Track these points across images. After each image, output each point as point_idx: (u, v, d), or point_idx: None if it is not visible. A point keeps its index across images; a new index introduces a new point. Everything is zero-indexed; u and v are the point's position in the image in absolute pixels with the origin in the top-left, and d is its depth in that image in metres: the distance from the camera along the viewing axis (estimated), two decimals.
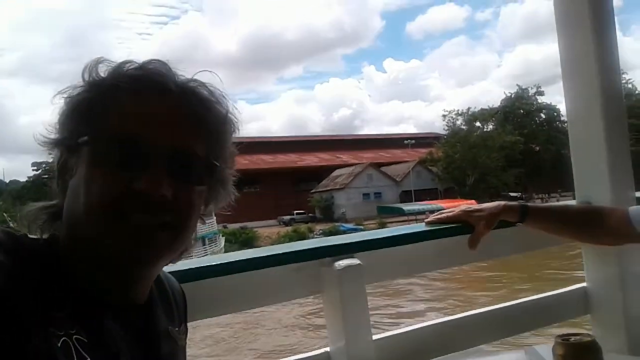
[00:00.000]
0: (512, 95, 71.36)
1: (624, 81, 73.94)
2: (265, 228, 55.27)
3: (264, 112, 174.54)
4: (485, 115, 69.53)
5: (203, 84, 1.06)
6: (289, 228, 54.18)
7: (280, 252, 1.75)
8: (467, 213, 1.92)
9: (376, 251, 1.84)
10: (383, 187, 67.29)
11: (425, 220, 2.02)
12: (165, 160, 0.96)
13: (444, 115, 70.59)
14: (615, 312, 2.14)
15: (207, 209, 1.12)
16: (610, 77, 2.16)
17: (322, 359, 1.79)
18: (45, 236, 1.02)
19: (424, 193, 64.15)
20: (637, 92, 71.13)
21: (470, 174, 61.30)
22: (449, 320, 1.99)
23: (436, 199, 59.92)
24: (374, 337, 1.81)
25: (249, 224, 53.54)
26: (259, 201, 66.21)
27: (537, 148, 65.66)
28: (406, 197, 64.95)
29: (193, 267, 1.59)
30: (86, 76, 1.01)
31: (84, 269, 0.97)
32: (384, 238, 1.90)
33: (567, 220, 1.98)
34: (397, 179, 68.51)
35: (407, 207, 54.55)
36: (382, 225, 44.44)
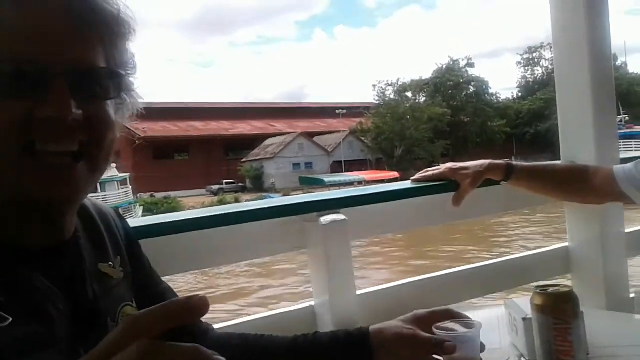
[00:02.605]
0: (443, 67, 72.14)
1: (553, 55, 76.69)
2: (193, 197, 54.18)
3: (213, 77, 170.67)
4: (413, 85, 70.17)
5: None
6: (215, 198, 53.54)
7: (264, 206, 1.75)
8: (453, 170, 1.94)
9: (361, 207, 1.85)
10: (314, 157, 67.20)
11: (411, 177, 2.03)
12: (65, 77, 0.85)
13: (374, 85, 70.80)
14: (595, 271, 2.22)
15: (116, 120, 1.01)
16: (600, 41, 2.21)
17: (307, 312, 1.82)
18: None
19: (355, 163, 64.49)
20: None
21: (398, 145, 61.90)
22: (431, 277, 2.03)
23: (366, 169, 60.52)
24: (358, 292, 1.84)
25: (178, 193, 52.70)
26: (189, 169, 65.28)
27: (466, 119, 66.86)
28: (338, 167, 65.27)
29: (173, 219, 1.61)
30: None
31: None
32: (368, 194, 1.93)
33: (553, 178, 2.02)
34: (329, 149, 68.62)
35: (327, 178, 54.56)
36: None
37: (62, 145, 0.87)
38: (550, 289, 1.39)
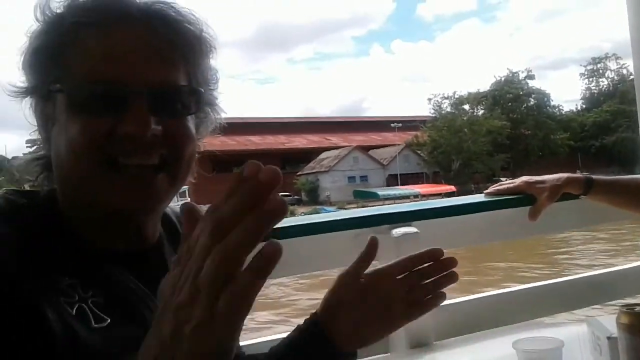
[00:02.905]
0: (502, 79, 71.24)
1: (618, 66, 74.81)
2: None
3: (272, 93, 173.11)
4: (471, 98, 69.46)
5: (169, 5, 0.98)
6: None
7: (340, 218, 1.79)
8: (529, 184, 1.90)
9: (432, 220, 1.84)
10: (369, 170, 67.00)
11: (485, 191, 1.99)
12: (145, 96, 0.90)
13: (430, 99, 70.36)
14: None
15: (198, 134, 1.06)
16: None
17: None
18: (45, 189, 0.99)
19: (411, 177, 64.16)
20: (631, 77, 71.50)
21: (455, 158, 61.24)
22: (508, 292, 2.00)
23: (422, 183, 60.10)
24: None
25: None
26: None
27: (527, 132, 65.77)
28: (393, 180, 64.98)
29: None
30: (39, 15, 0.95)
31: (86, 222, 0.95)
32: (441, 207, 1.90)
33: (635, 192, 1.94)
34: (384, 163, 68.40)
35: (382, 191, 54.50)
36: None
37: (142, 160, 0.92)
38: (638, 308, 1.33)
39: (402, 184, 60.75)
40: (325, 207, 53.10)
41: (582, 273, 2.15)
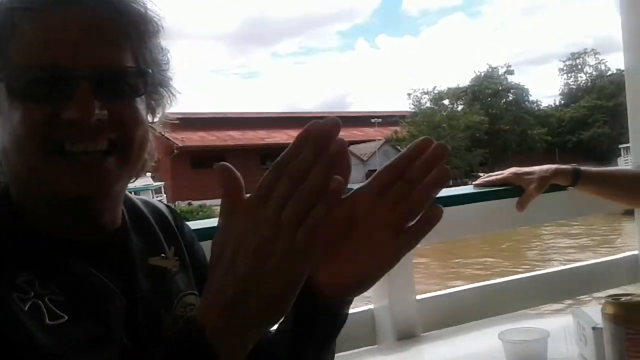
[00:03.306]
0: (482, 75, 71.49)
1: (597, 61, 75.38)
2: None
3: (256, 88, 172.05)
4: (450, 94, 69.68)
5: None
6: None
7: None
8: (517, 175, 1.90)
9: None
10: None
11: (474, 182, 1.99)
12: (88, 80, 0.86)
13: (409, 94, 70.40)
14: None
15: (155, 116, 1.04)
16: None
17: (366, 316, 1.82)
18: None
19: None
20: (609, 72, 72.10)
21: None
22: (494, 283, 2.01)
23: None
24: (418, 297, 1.81)
25: (215, 202, 53.19)
26: None
27: (506, 127, 66.11)
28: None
29: None
30: None
31: (41, 214, 0.93)
32: None
33: (623, 184, 1.96)
34: (364, 158, 68.49)
35: (356, 187, 54.76)
36: None
37: (89, 145, 0.89)
38: (623, 298, 1.33)
39: None
40: None
41: (567, 265, 2.17)
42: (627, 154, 43.65)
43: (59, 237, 0.93)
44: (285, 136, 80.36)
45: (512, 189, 1.91)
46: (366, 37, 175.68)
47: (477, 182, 1.98)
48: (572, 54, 78.69)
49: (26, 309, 0.81)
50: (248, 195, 0.74)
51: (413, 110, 68.37)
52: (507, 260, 15.69)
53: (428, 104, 68.79)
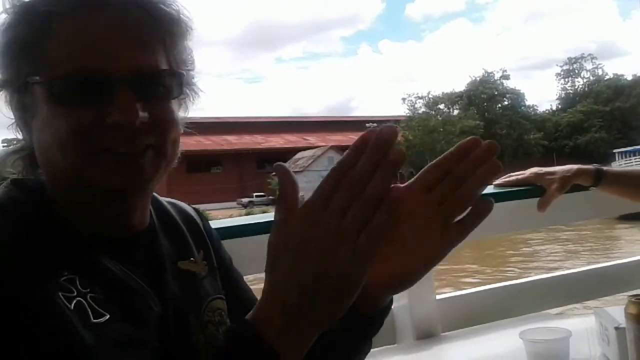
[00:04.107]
0: (477, 79, 71.60)
1: (594, 66, 75.57)
2: (223, 210, 54.70)
3: (260, 93, 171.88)
4: (445, 98, 69.72)
5: None
6: (244, 211, 53.79)
7: None
8: (539, 175, 1.90)
9: None
10: None
11: (494, 182, 1.98)
12: (130, 84, 0.88)
13: (404, 99, 70.44)
14: None
15: (179, 115, 1.03)
16: None
17: None
18: (33, 181, 0.97)
19: None
20: (606, 77, 72.36)
21: (429, 158, 61.25)
22: (515, 284, 2.00)
23: (397, 183, 60.02)
24: (438, 297, 1.81)
25: (209, 206, 53.03)
26: (223, 182, 65.69)
27: (502, 132, 66.08)
28: None
29: (252, 222, 1.64)
30: (7, 5, 0.91)
31: (77, 211, 0.94)
32: None
33: None
34: None
35: None
36: None
37: (132, 148, 0.90)
38: None
39: None
40: None
41: (590, 265, 2.15)
42: (621, 158, 43.85)
43: (91, 234, 0.93)
44: (283, 140, 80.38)
45: (534, 189, 1.90)
46: (369, 42, 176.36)
47: (498, 182, 1.96)
48: (570, 58, 79.05)
49: (72, 307, 0.82)
50: (303, 197, 0.77)
51: (408, 115, 68.40)
52: (489, 267, 15.65)
53: (422, 109, 68.78)
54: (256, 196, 65.68)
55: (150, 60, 0.92)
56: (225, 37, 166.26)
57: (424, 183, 0.94)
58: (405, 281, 0.99)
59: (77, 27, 0.88)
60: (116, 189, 0.91)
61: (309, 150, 70.15)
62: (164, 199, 1.16)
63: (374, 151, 0.72)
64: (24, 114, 0.95)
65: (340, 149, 69.67)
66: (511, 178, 1.96)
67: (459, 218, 0.92)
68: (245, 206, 60.77)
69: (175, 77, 0.97)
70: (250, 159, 73.36)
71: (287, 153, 71.74)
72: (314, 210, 0.74)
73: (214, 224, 1.35)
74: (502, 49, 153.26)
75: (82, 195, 0.93)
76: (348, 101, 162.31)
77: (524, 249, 18.16)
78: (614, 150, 48.97)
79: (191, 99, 1.07)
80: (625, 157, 44.55)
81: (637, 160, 39.50)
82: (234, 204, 62.47)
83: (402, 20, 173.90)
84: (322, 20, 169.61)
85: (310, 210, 0.74)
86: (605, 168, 1.90)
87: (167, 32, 0.96)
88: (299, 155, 69.78)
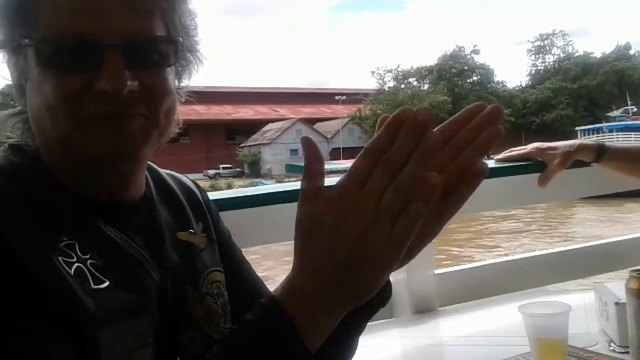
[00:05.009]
0: (448, 54, 71.66)
1: (565, 43, 76.17)
2: None
3: (240, 62, 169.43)
4: (414, 72, 69.84)
5: None
6: (209, 183, 53.57)
7: None
8: (540, 150, 1.88)
9: None
10: None
11: (495, 157, 1.97)
12: (120, 49, 0.85)
13: (373, 72, 70.36)
14: None
15: (182, 81, 1.03)
16: None
17: None
18: (31, 145, 0.95)
19: (356, 151, 64.06)
20: (576, 54, 73.06)
21: None
22: (514, 260, 2.01)
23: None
24: (436, 271, 1.80)
25: None
26: (190, 153, 65.23)
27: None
28: (337, 154, 64.96)
29: (249, 194, 1.64)
30: None
31: (71, 176, 0.92)
32: None
33: None
34: (328, 136, 68.42)
35: None
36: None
37: (120, 115, 0.88)
38: None
39: (344, 158, 60.84)
40: (263, 181, 52.29)
41: (589, 242, 2.16)
42: (582, 136, 44.52)
43: (89, 200, 0.92)
44: (252, 111, 79.81)
45: (535, 164, 1.89)
46: (352, 11, 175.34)
47: (499, 156, 1.95)
48: (541, 34, 79.45)
49: (72, 272, 0.81)
50: (328, 178, 0.76)
51: (377, 89, 68.39)
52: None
53: (391, 83, 68.82)
54: (223, 168, 65.48)
55: (144, 26, 0.89)
56: (205, 2, 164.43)
57: None
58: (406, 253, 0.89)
59: None
60: (103, 156, 0.89)
61: (278, 123, 69.93)
62: (162, 171, 1.14)
63: (409, 134, 0.71)
64: (18, 77, 0.92)
65: (309, 121, 69.66)
66: (512, 153, 1.95)
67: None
68: (211, 177, 60.57)
69: (172, 44, 0.93)
70: (219, 130, 72.99)
71: (257, 124, 71.49)
72: (349, 190, 0.73)
73: (213, 195, 1.33)
74: (481, 23, 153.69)
75: (74, 162, 0.91)
76: (328, 72, 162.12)
77: (476, 226, 18.38)
78: (576, 128, 49.65)
79: (196, 67, 1.03)
80: (587, 134, 45.24)
81: (598, 138, 40.16)
82: (200, 175, 62.17)
83: None
84: None
85: (345, 190, 0.73)
86: (607, 144, 1.90)
87: None
88: (267, 127, 69.66)
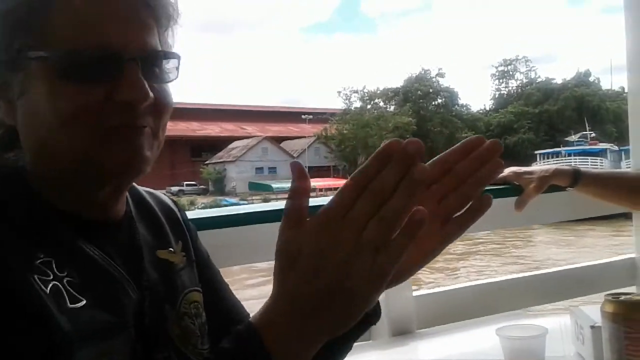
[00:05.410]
0: (414, 76, 72.24)
1: (527, 68, 77.60)
2: None
3: (212, 80, 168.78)
4: (379, 94, 70.25)
5: None
6: None
7: (322, 204, 1.71)
8: (517, 174, 1.91)
9: None
10: (279, 162, 66.28)
11: None
12: (138, 62, 0.86)
13: (339, 92, 70.56)
14: None
15: None
16: None
17: None
18: (10, 160, 0.93)
19: (322, 170, 64.28)
20: (538, 79, 74.41)
21: (361, 153, 61.38)
22: (492, 282, 2.02)
23: (330, 177, 60.46)
24: (414, 293, 1.80)
25: None
26: (153, 170, 64.16)
27: (436, 129, 66.96)
28: None
29: (232, 213, 1.64)
30: None
31: (59, 193, 0.91)
32: None
33: (622, 186, 1.98)
34: (295, 155, 68.32)
35: (276, 184, 54.30)
36: (267, 201, 44.03)
37: (136, 127, 0.89)
38: (623, 297, 1.36)
39: (311, 177, 60.39)
40: (227, 199, 52.11)
41: (565, 266, 2.19)
42: (542, 159, 45.21)
43: (71, 218, 0.90)
44: (219, 129, 79.28)
45: (512, 188, 1.91)
46: (326, 34, 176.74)
47: None
48: (504, 60, 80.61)
49: (48, 291, 0.78)
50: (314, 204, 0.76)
51: (344, 109, 68.54)
52: None
53: (357, 103, 69.09)
54: (187, 185, 64.84)
55: (151, 40, 0.91)
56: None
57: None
58: (400, 276, 0.93)
59: (88, 4, 0.85)
60: (119, 166, 0.89)
61: (243, 140, 69.66)
62: (141, 188, 1.12)
63: (397, 165, 0.70)
64: (5, 94, 0.90)
65: (277, 139, 69.56)
66: None
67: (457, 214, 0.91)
68: (174, 194, 59.83)
69: (177, 59, 0.95)
70: (185, 146, 72.27)
71: (224, 142, 71.05)
72: (332, 218, 0.72)
73: (192, 215, 1.33)
74: (449, 47, 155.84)
75: (76, 177, 0.90)
76: (299, 91, 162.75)
77: None
78: (536, 152, 50.42)
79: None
80: (546, 158, 45.98)
81: (556, 162, 40.84)
82: (163, 192, 61.39)
83: (358, 14, 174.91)
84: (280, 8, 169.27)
85: (328, 218, 0.72)
86: (582, 169, 1.92)
87: (165, 14, 0.94)
88: (233, 144, 69.28)
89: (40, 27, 0.85)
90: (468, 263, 16.66)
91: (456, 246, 18.65)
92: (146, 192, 1.14)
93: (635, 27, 2.21)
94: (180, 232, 1.13)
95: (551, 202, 1.98)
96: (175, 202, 1.22)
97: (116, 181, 0.92)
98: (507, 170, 1.94)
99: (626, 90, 2.31)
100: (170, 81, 0.95)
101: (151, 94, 0.87)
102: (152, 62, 0.90)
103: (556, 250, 18.83)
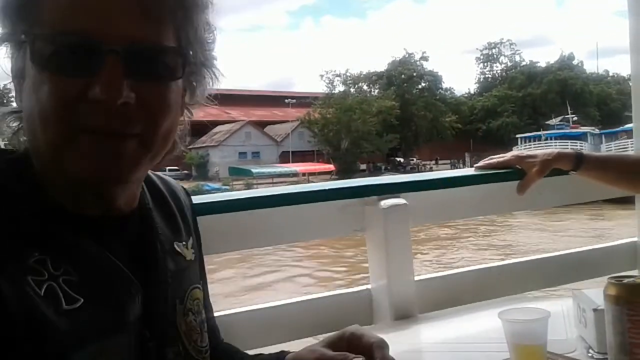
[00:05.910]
0: (397, 60, 72.20)
1: (512, 52, 78.03)
2: None
3: None
4: (363, 78, 70.20)
5: None
6: None
7: (325, 188, 1.74)
8: (519, 158, 1.90)
9: (421, 192, 1.83)
10: (262, 146, 66.17)
11: (475, 165, 1.99)
12: (121, 57, 0.79)
13: (322, 75, 70.41)
14: None
15: (194, 98, 0.99)
16: None
17: (364, 295, 1.80)
18: (22, 147, 0.90)
19: (306, 155, 64.16)
20: (522, 63, 74.78)
21: (344, 137, 61.26)
22: (492, 267, 2.02)
23: (314, 161, 60.43)
24: (416, 277, 1.81)
25: None
26: None
27: (420, 113, 67.01)
28: (286, 158, 64.83)
29: (232, 198, 1.60)
30: None
31: (59, 186, 0.87)
32: (430, 180, 1.92)
33: (625, 169, 1.96)
34: (278, 139, 68.14)
35: (256, 169, 54.29)
36: (249, 186, 43.82)
37: (114, 129, 0.82)
38: (626, 280, 1.35)
39: (295, 162, 60.67)
40: (209, 184, 51.66)
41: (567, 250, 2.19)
42: (522, 143, 45.48)
43: (75, 212, 0.87)
44: (202, 113, 77.08)
45: (514, 172, 1.90)
46: (314, 17, 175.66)
47: (479, 164, 1.97)
48: (489, 43, 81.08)
49: (42, 293, 0.76)
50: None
51: (327, 93, 68.28)
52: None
53: (340, 87, 68.93)
54: (169, 170, 64.39)
55: (151, 32, 0.83)
56: None
57: None
58: None
59: None
60: (89, 178, 0.83)
61: (227, 125, 69.24)
62: (153, 174, 1.09)
63: None
64: (18, 76, 0.87)
65: (261, 124, 69.18)
66: (492, 161, 1.96)
67: None
68: None
69: (180, 56, 0.88)
70: None
71: (207, 127, 70.50)
72: None
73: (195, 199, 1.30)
74: (437, 31, 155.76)
75: (62, 175, 0.86)
76: (290, 76, 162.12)
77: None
78: (517, 136, 50.72)
79: (210, 83, 0.99)
80: (526, 142, 46.28)
81: (536, 145, 41.02)
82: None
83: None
84: None
85: None
86: (585, 153, 1.91)
87: (179, 3, 0.86)
88: (216, 129, 68.80)
89: (33, 10, 0.81)
90: (439, 252, 16.86)
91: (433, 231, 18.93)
92: (158, 178, 1.10)
93: (639, 9, 2.20)
94: (189, 224, 1.11)
95: (554, 185, 1.97)
96: (186, 192, 1.19)
97: (93, 190, 0.88)
98: (510, 154, 1.94)
99: (610, 74, 2.32)
100: (168, 80, 0.87)
101: (128, 94, 0.80)
102: (141, 55, 0.82)
103: (537, 235, 19.05)
